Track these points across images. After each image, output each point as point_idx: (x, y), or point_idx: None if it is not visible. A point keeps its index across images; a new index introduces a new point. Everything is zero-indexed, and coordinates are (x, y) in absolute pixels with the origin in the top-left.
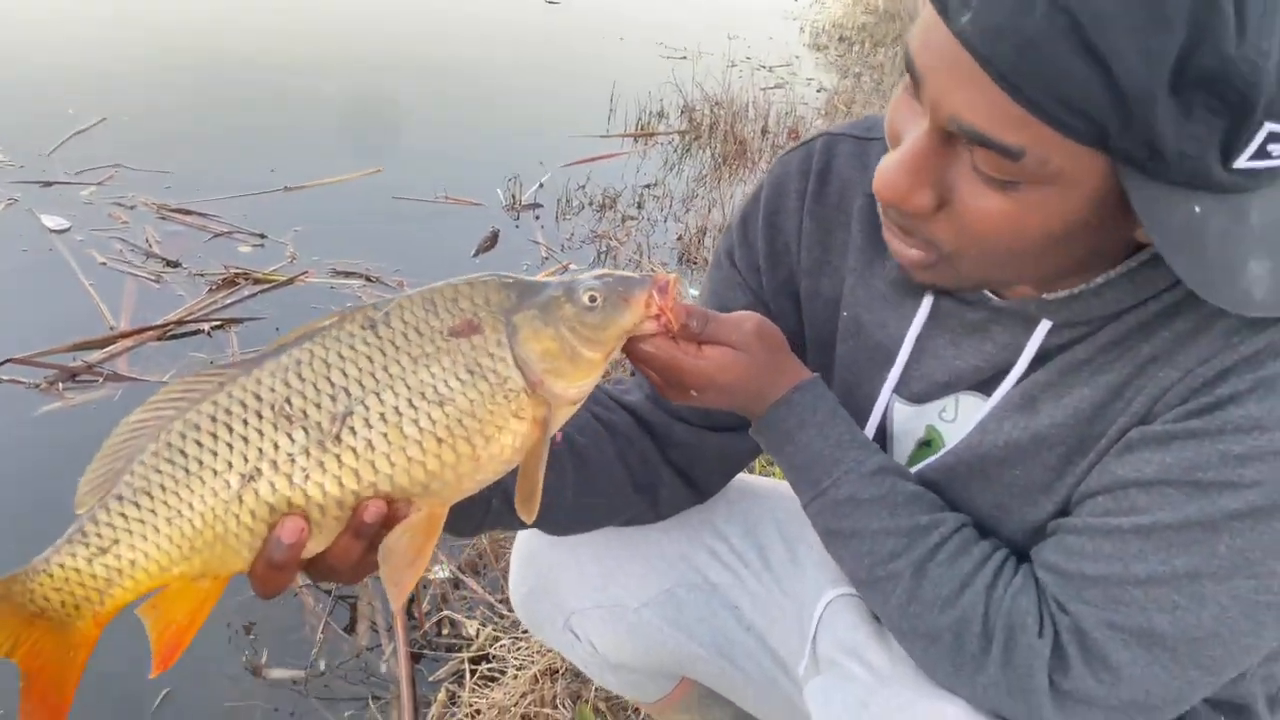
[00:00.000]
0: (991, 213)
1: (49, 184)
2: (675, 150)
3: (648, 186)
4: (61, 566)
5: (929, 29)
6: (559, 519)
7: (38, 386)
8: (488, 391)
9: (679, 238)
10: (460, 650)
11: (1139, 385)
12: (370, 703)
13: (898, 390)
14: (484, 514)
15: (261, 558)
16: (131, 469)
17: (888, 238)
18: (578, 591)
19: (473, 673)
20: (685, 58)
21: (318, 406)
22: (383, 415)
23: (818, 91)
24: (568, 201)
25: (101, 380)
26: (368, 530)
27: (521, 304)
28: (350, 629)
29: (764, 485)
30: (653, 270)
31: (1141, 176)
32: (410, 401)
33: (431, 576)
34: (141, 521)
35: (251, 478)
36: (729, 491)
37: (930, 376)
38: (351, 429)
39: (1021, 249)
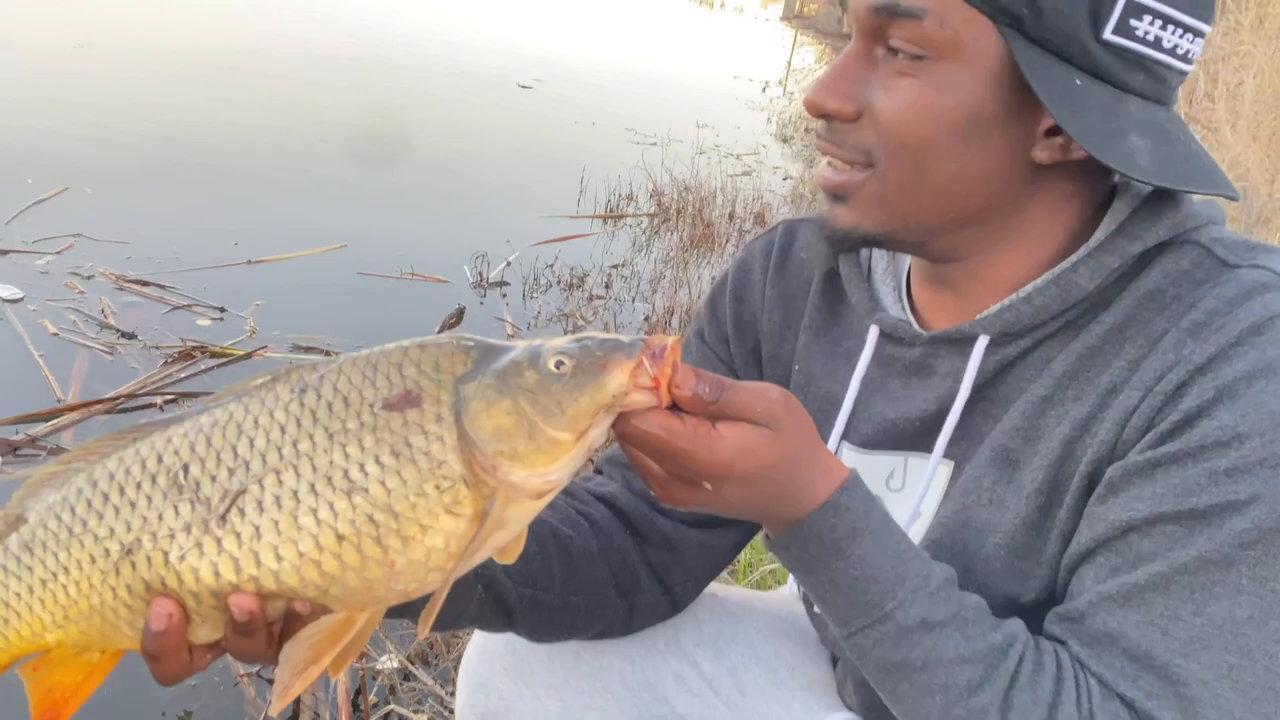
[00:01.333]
0: (906, 102)
1: (4, 252)
2: (644, 232)
3: (615, 267)
4: None
5: None
6: (542, 620)
7: None
8: (414, 480)
9: (646, 318)
10: None
11: (1106, 417)
12: None
13: (846, 436)
14: (467, 604)
15: (143, 649)
16: (25, 520)
17: (821, 171)
18: None
19: None
20: (655, 144)
21: (213, 479)
22: (277, 499)
23: (784, 179)
24: (535, 280)
25: (44, 454)
26: (247, 629)
27: (478, 370)
28: None
29: (736, 598)
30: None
31: (1027, 41)
32: (312, 486)
33: (379, 667)
34: (18, 578)
35: (130, 549)
36: (698, 607)
37: (879, 416)
38: (240, 510)
39: (935, 144)
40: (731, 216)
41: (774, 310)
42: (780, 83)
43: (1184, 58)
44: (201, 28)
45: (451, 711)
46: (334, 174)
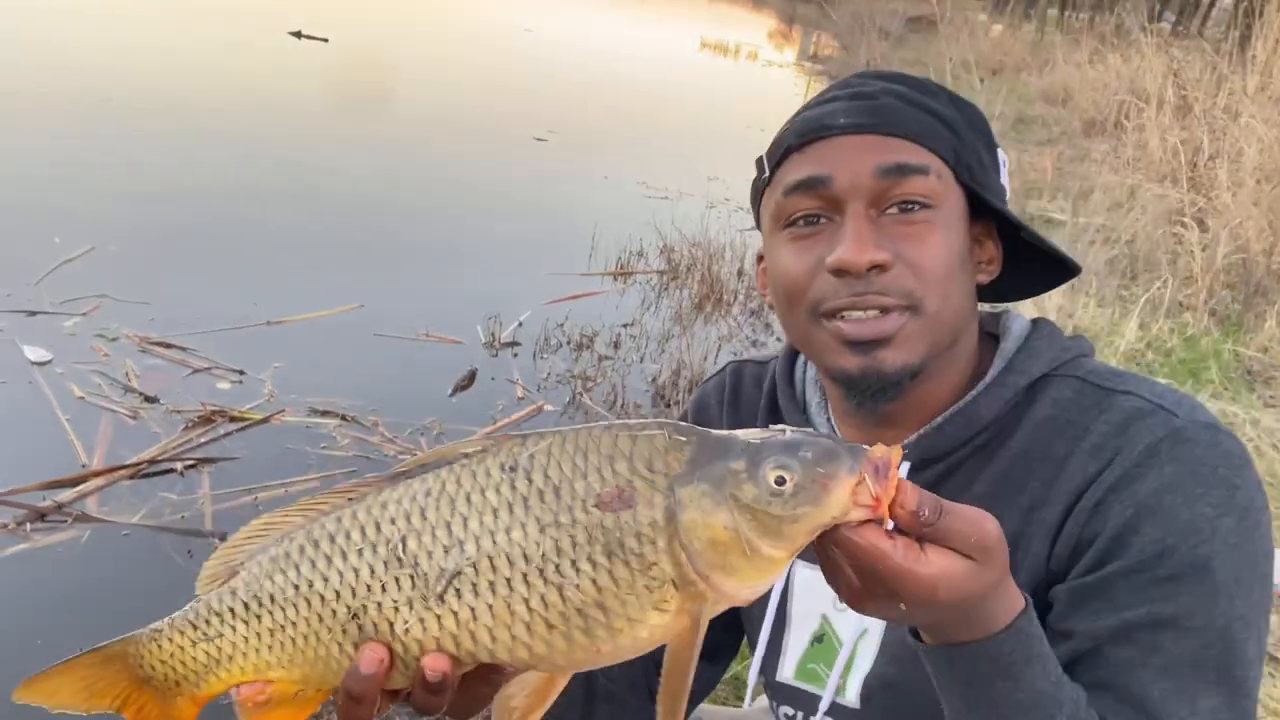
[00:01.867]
0: (935, 243)
1: (34, 313)
2: (653, 289)
3: (625, 325)
4: (170, 641)
5: (814, 153)
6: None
7: (5, 527)
8: (625, 579)
9: (654, 380)
10: None
11: (1034, 534)
12: None
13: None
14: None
15: (342, 685)
16: (250, 567)
17: (850, 331)
18: None
19: None
20: (666, 198)
21: (429, 555)
22: (491, 585)
23: None
24: (546, 340)
25: (70, 520)
26: (437, 689)
27: (693, 473)
28: None
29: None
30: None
31: (978, 185)
32: (524, 576)
33: None
34: (247, 623)
35: (356, 615)
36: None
37: None
38: (457, 591)
39: (952, 272)
40: (740, 274)
41: None
42: None
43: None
44: (222, 85)
45: None
46: (351, 233)
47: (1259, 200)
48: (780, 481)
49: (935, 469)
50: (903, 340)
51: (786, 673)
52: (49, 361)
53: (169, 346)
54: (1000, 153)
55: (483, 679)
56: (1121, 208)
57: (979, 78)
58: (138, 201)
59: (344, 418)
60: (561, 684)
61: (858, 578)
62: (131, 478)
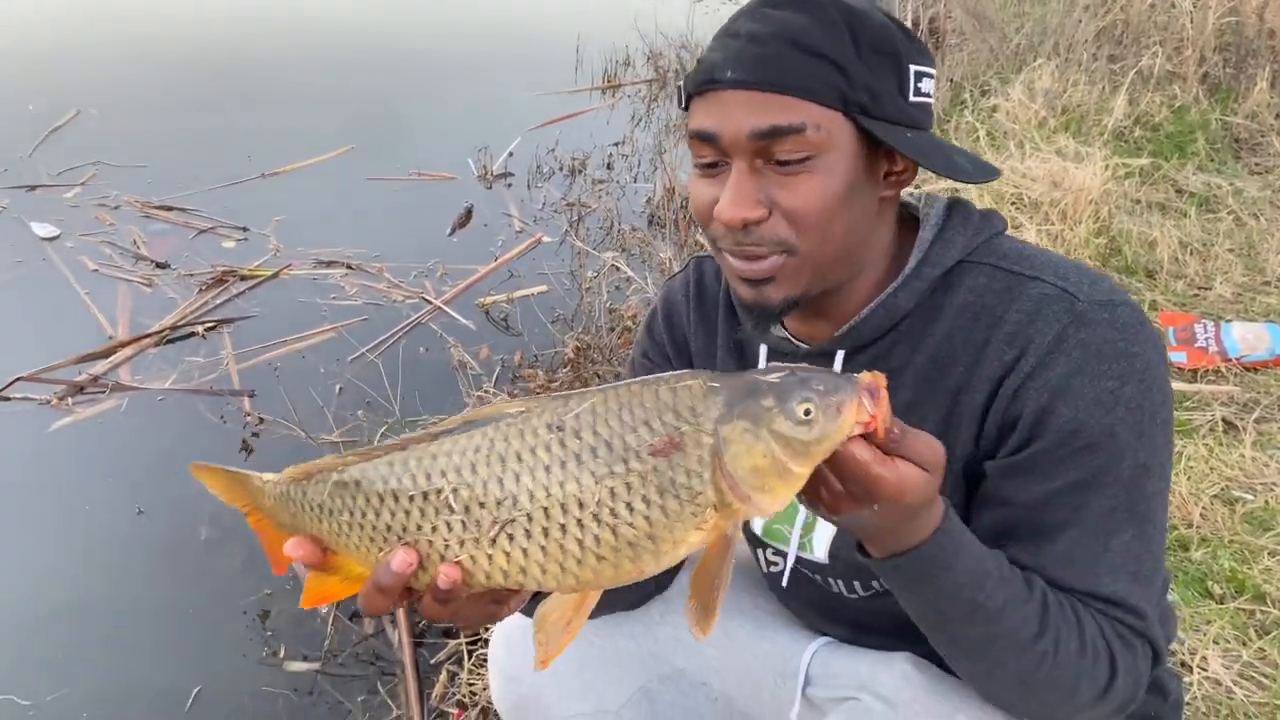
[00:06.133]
0: (804, 192)
1: (33, 188)
2: (643, 100)
3: (616, 144)
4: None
5: (706, 105)
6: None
7: (48, 402)
8: (675, 510)
9: (648, 200)
10: (458, 634)
11: (961, 415)
12: (379, 685)
13: None
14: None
15: (370, 579)
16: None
17: (738, 266)
18: (562, 703)
19: (469, 654)
20: None
21: (481, 505)
22: (545, 530)
23: None
24: (538, 168)
25: (107, 391)
26: (447, 596)
27: (731, 413)
28: (356, 618)
29: None
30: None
31: (871, 119)
32: (580, 522)
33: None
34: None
35: (408, 544)
36: (682, 577)
37: None
38: (510, 535)
39: (831, 213)
40: None
41: (698, 333)
42: None
43: (932, 94)
44: None
45: None
46: (331, 76)
47: None
48: (807, 413)
49: (867, 354)
50: (782, 278)
51: (757, 527)
52: (58, 236)
53: (171, 209)
54: (914, 66)
55: (496, 599)
56: None
57: None
58: (110, 61)
59: (349, 266)
60: (592, 603)
61: (842, 484)
62: (157, 345)
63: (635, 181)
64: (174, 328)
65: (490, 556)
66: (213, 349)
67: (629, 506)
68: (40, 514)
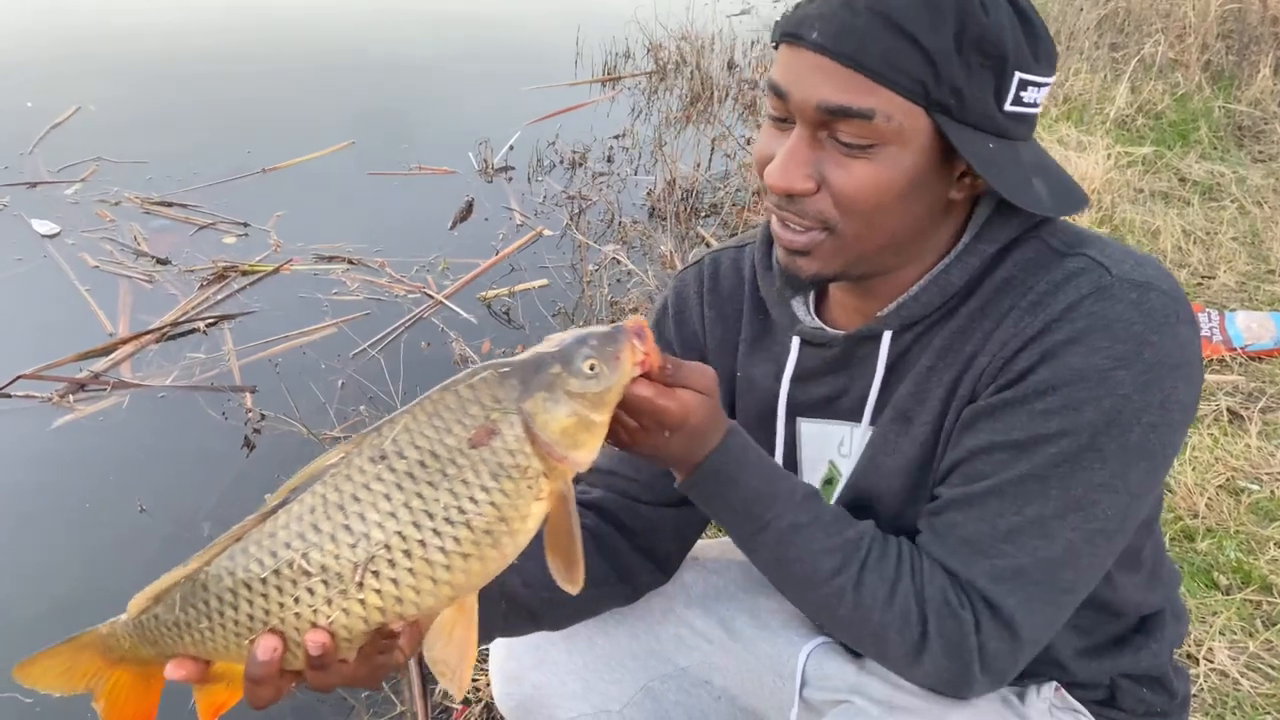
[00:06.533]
0: (858, 177)
1: (34, 184)
2: (642, 93)
3: (617, 137)
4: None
5: (786, 58)
6: (562, 615)
7: (49, 400)
8: (512, 489)
9: (648, 193)
10: None
11: (967, 376)
12: (383, 682)
13: (793, 410)
14: (495, 620)
15: (244, 676)
16: (165, 600)
17: (778, 230)
18: (565, 703)
19: None
20: None
21: (337, 557)
22: (406, 552)
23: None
24: (539, 161)
25: (109, 388)
26: (319, 663)
27: (529, 388)
28: None
29: (714, 555)
30: (618, 314)
31: (953, 122)
32: (435, 531)
33: None
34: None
35: (274, 627)
36: (684, 573)
37: (816, 393)
38: (374, 572)
39: (882, 206)
40: (730, 66)
41: (714, 328)
42: None
43: (1038, 104)
44: None
45: None
46: (330, 71)
47: None
48: (592, 368)
49: (913, 330)
50: (817, 255)
51: None
52: (58, 233)
53: (171, 205)
54: (1021, 74)
55: (378, 648)
56: None
57: None
58: (109, 56)
59: (350, 261)
60: (473, 609)
61: (636, 420)
62: (158, 341)
63: (636, 174)
64: (175, 324)
65: (363, 601)
66: (214, 345)
67: (472, 499)
68: (41, 511)
